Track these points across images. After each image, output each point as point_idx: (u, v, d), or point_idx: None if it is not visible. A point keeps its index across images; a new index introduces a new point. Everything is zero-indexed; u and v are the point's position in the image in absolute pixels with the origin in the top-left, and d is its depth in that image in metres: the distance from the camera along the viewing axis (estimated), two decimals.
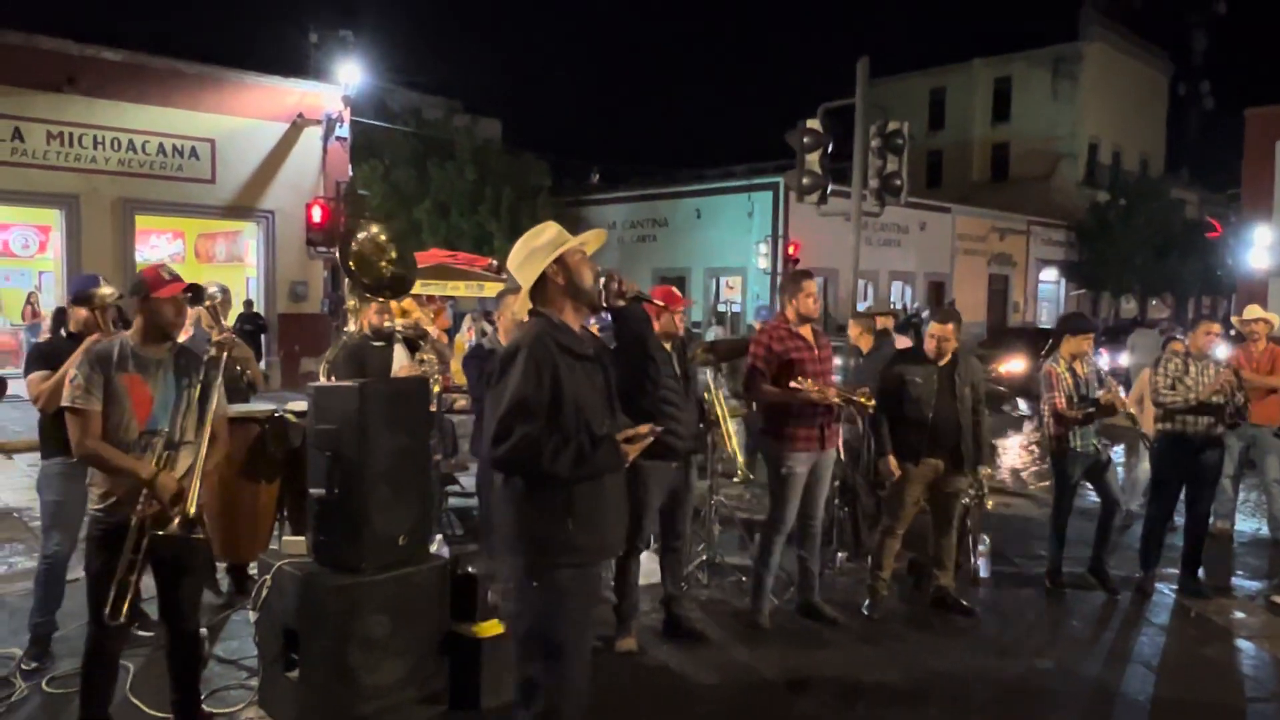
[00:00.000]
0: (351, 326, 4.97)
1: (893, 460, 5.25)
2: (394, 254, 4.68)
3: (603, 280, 3.10)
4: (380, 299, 4.84)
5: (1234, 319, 7.80)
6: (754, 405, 5.39)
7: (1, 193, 14.01)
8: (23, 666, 4.30)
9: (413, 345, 5.26)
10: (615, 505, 3.07)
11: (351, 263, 4.58)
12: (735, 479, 5.34)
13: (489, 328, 7.46)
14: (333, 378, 4.67)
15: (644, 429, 2.97)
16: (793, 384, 4.84)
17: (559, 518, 2.88)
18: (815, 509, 5.18)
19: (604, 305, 3.16)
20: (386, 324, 5.04)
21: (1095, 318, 34.93)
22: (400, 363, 5.13)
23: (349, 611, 3.51)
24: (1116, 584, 5.88)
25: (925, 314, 20.80)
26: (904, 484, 5.27)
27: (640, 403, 4.27)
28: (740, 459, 6.30)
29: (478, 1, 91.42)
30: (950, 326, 5.33)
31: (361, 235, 4.75)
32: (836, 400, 4.94)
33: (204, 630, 4.45)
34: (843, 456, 6.01)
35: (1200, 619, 5.51)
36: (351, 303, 4.99)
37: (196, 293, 5.33)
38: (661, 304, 4.68)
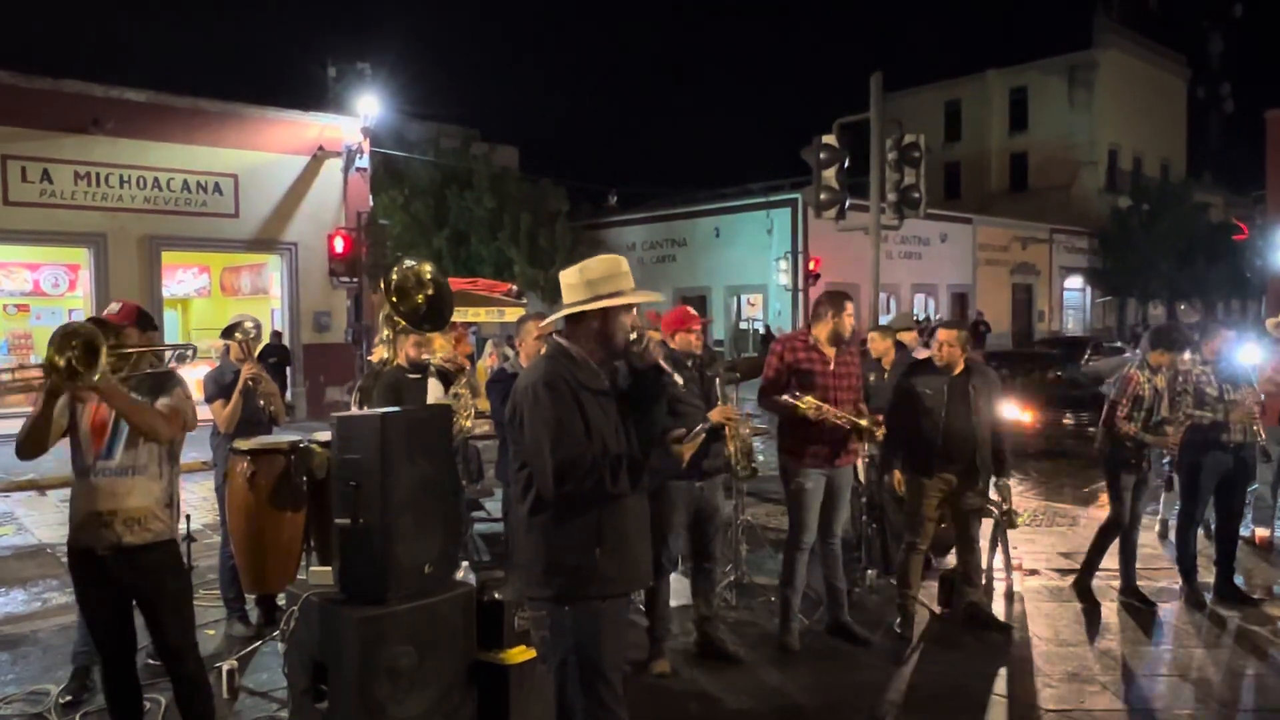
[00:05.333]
0: (385, 354, 4.97)
1: (898, 475, 5.23)
2: (432, 290, 4.67)
3: (633, 334, 3.05)
4: (419, 331, 4.82)
5: (1268, 322, 7.68)
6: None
7: (31, 233, 14.30)
8: (60, 700, 4.33)
9: (448, 379, 5.23)
10: (641, 535, 3.06)
11: (393, 297, 4.58)
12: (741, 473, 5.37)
13: (511, 352, 7.47)
14: (365, 407, 4.68)
15: (680, 433, 2.96)
16: (785, 397, 4.85)
17: (587, 548, 2.87)
18: (834, 528, 5.13)
19: (624, 358, 3.11)
20: (424, 357, 5.03)
21: (1124, 324, 34.63)
22: (434, 395, 5.09)
23: (375, 642, 3.50)
24: (1152, 596, 5.77)
25: None
26: (919, 498, 5.22)
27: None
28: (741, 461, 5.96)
29: (492, 31, 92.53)
30: (953, 332, 5.28)
31: (406, 264, 4.74)
32: (834, 419, 4.87)
33: (234, 663, 4.49)
34: (861, 477, 5.94)
35: (1242, 630, 5.38)
36: (386, 332, 4.98)
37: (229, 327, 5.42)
38: (677, 377, 4.67)
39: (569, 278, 3.03)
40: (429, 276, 4.72)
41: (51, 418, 3.29)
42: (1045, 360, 13.80)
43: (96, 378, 3.11)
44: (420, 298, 4.69)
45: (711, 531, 4.89)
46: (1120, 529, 5.74)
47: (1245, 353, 6.01)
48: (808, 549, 5.05)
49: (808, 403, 4.81)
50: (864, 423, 4.99)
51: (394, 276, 4.67)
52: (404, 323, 4.72)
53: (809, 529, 5.02)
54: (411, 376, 4.96)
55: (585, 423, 2.85)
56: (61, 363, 3.11)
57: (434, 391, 5.11)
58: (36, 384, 3.36)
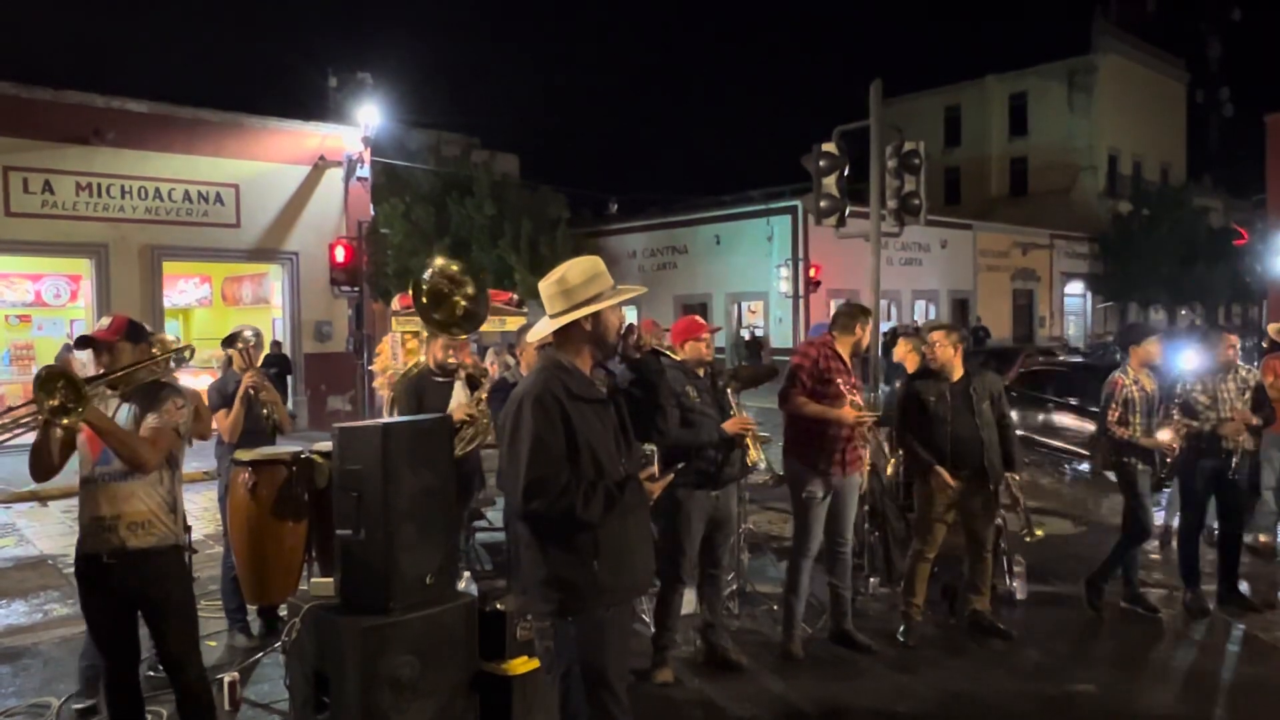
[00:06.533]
0: (405, 356, 4.85)
1: (943, 471, 5.08)
2: (470, 290, 4.51)
3: (621, 330, 3.07)
4: (449, 334, 4.70)
5: (1271, 327, 7.66)
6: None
7: (33, 244, 14.31)
8: (73, 705, 4.33)
9: (474, 384, 5.19)
10: (641, 544, 3.06)
11: (424, 299, 4.44)
12: (766, 479, 5.59)
13: (512, 361, 7.46)
14: (395, 408, 4.59)
15: (652, 470, 2.99)
16: (850, 396, 4.90)
17: (585, 561, 2.86)
18: (844, 534, 5.13)
19: (620, 356, 3.15)
20: (451, 360, 5.00)
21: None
22: (458, 400, 5.00)
23: (377, 653, 3.50)
24: (1156, 603, 5.75)
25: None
26: (929, 505, 5.20)
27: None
28: (764, 459, 6.01)
29: (492, 38, 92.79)
30: (941, 333, 5.30)
31: (439, 264, 4.58)
32: (868, 429, 4.97)
33: (236, 674, 4.49)
34: (865, 481, 5.93)
35: (1247, 636, 5.37)
36: (423, 332, 4.85)
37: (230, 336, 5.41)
38: (678, 355, 4.71)
39: (549, 289, 3.01)
40: (470, 288, 4.49)
41: (51, 444, 3.38)
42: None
43: (84, 412, 3.19)
44: (458, 299, 4.48)
45: (723, 539, 4.89)
46: (1146, 537, 5.70)
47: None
48: (813, 557, 5.05)
49: (853, 406, 4.86)
50: (887, 446, 5.07)
51: (424, 284, 4.47)
52: (434, 328, 4.58)
53: (816, 537, 5.02)
54: (438, 380, 4.91)
55: (574, 438, 2.84)
56: (55, 403, 3.17)
57: (459, 397, 5.03)
58: (25, 421, 3.42)
